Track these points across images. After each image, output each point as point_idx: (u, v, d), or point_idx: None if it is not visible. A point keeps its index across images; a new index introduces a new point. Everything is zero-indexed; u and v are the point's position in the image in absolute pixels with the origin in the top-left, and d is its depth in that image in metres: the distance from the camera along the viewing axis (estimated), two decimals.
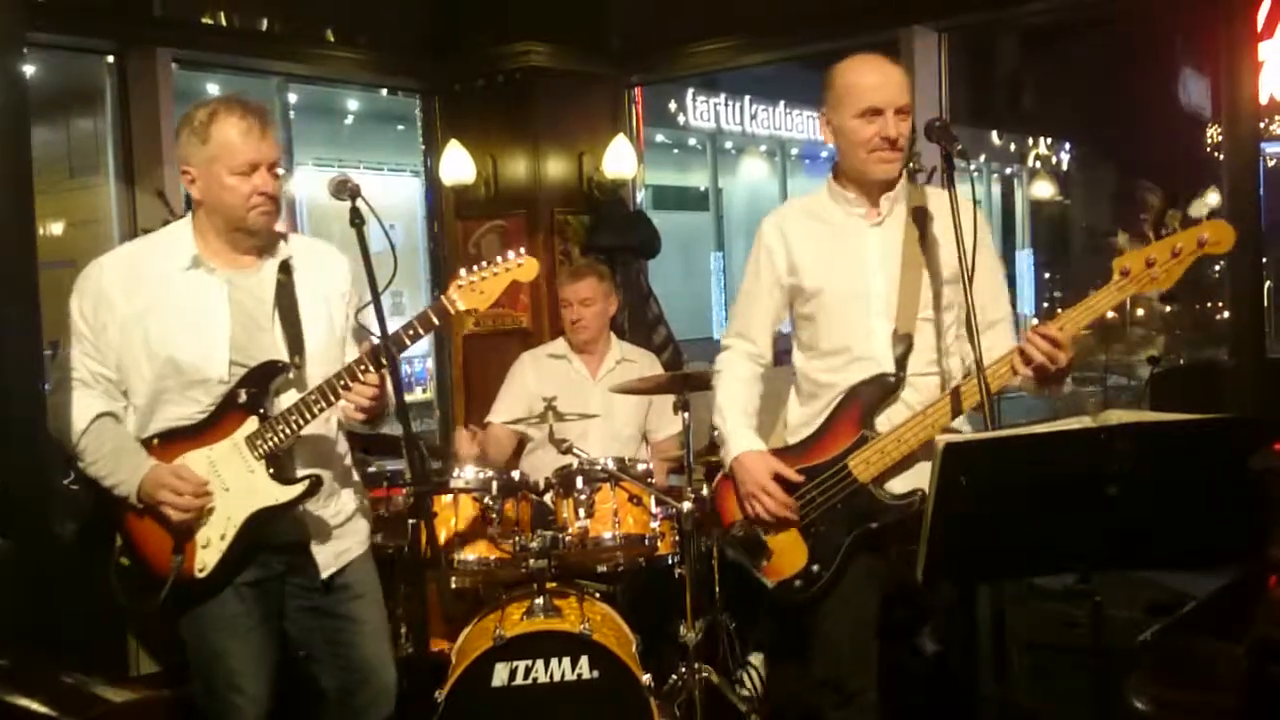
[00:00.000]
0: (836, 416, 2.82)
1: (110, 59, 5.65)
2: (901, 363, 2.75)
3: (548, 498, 3.90)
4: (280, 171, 2.68)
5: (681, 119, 14.50)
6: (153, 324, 2.66)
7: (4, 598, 2.80)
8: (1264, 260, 4.58)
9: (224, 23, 6.02)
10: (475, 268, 2.67)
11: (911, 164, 2.74)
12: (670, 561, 3.83)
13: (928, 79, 5.69)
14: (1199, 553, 2.28)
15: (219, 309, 2.69)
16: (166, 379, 2.66)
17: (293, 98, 7.28)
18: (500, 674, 3.39)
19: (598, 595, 3.87)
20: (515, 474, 3.80)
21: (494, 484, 3.68)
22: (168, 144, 5.40)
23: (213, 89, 6.32)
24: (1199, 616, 2.43)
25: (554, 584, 3.72)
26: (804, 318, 2.93)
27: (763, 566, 2.86)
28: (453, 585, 3.81)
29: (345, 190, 2.57)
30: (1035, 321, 2.92)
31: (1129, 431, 2.08)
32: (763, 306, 2.97)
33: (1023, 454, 2.14)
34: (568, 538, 3.65)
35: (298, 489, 2.67)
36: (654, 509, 3.78)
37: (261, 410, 2.66)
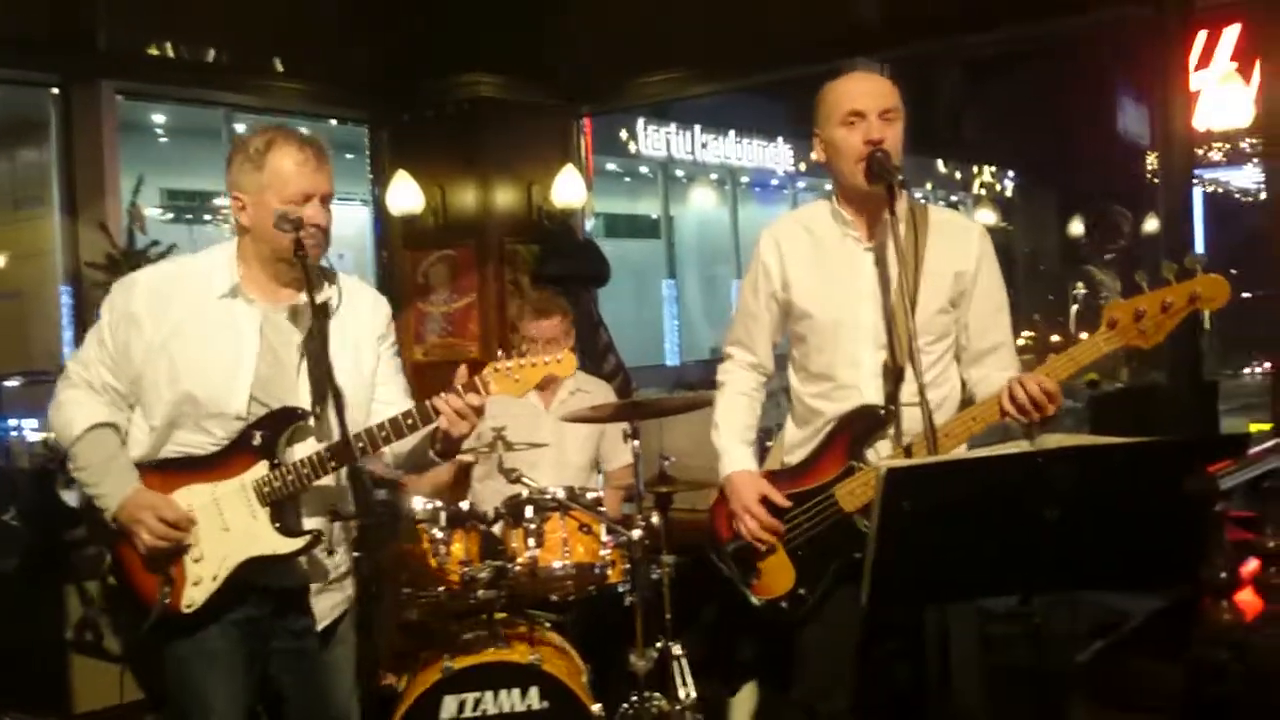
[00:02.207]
0: (828, 444, 2.81)
1: (55, 91, 5.61)
2: (893, 396, 2.72)
3: (497, 527, 3.89)
4: (332, 205, 2.65)
5: (633, 147, 14.60)
6: (178, 350, 2.61)
7: None
8: None
9: (170, 54, 5.98)
10: (515, 355, 2.64)
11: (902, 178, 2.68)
12: (621, 590, 3.82)
13: None
14: (1136, 574, 2.30)
15: (248, 343, 2.63)
16: (184, 405, 2.61)
17: (240, 126, 7.25)
18: (449, 706, 3.37)
19: (548, 625, 3.85)
20: (464, 504, 3.78)
21: (442, 515, 3.65)
22: (110, 175, 5.36)
23: (159, 119, 6.29)
24: (1137, 637, 2.46)
25: (503, 614, 3.70)
26: (796, 336, 2.91)
27: (752, 584, 2.87)
28: (401, 618, 3.79)
29: (288, 222, 2.53)
30: None
31: (1065, 455, 2.10)
32: (760, 321, 2.96)
33: (963, 478, 2.14)
34: (517, 567, 3.63)
35: (297, 543, 2.60)
36: (604, 537, 3.77)
37: (274, 457, 2.60)
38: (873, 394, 2.77)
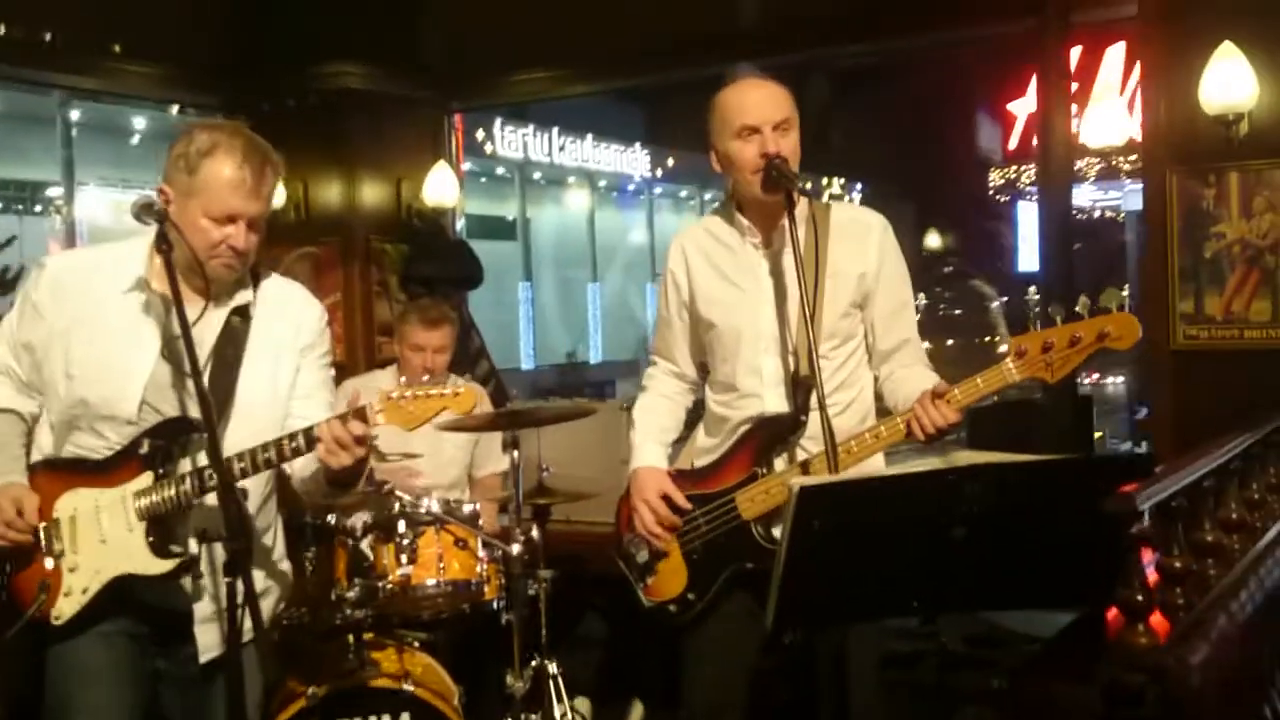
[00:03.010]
0: (735, 450, 2.76)
1: None
2: (803, 406, 2.67)
3: (366, 543, 3.68)
4: (262, 222, 2.46)
5: (489, 148, 14.51)
6: (74, 344, 2.43)
7: None
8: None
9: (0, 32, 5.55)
10: (412, 385, 2.40)
11: (809, 184, 2.62)
12: (495, 607, 3.70)
13: None
14: (1045, 595, 2.27)
15: (148, 342, 2.44)
16: (77, 406, 2.44)
17: (75, 114, 6.84)
18: None
19: (416, 645, 3.69)
20: (331, 518, 3.57)
21: (307, 530, 3.45)
22: None
23: None
24: (1050, 658, 2.43)
25: (370, 634, 3.53)
26: (706, 344, 2.88)
27: (645, 585, 2.83)
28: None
29: (152, 213, 2.32)
30: None
31: (979, 473, 2.05)
32: (674, 329, 2.93)
33: (875, 496, 2.09)
34: (389, 585, 3.45)
35: (167, 565, 2.39)
36: (480, 553, 3.63)
37: (160, 468, 2.41)
38: (774, 402, 2.73)
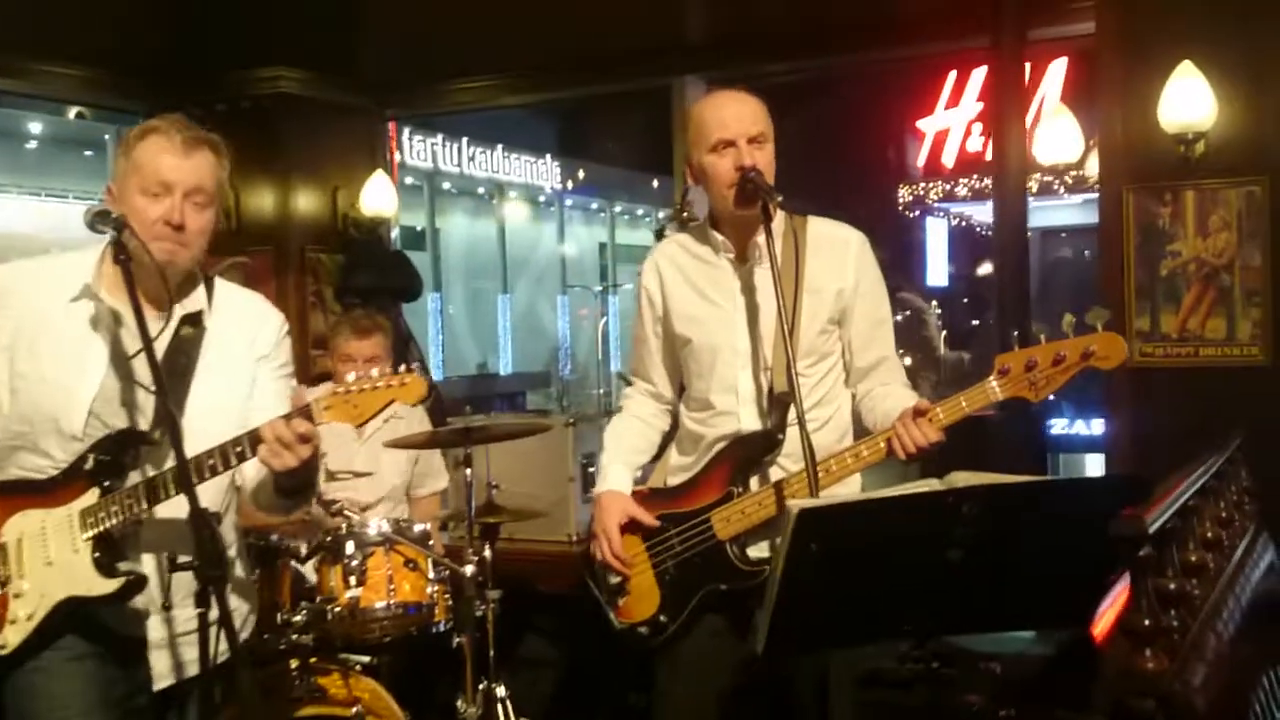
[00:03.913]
0: (712, 467, 2.69)
1: None
2: (779, 424, 2.61)
3: (311, 564, 3.51)
4: (207, 203, 2.30)
5: (397, 157, 14.33)
6: (19, 356, 2.30)
7: None
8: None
9: None
10: (355, 378, 2.27)
11: (779, 199, 2.55)
12: (443, 629, 3.59)
13: None
14: (1034, 616, 2.22)
15: (95, 352, 2.31)
16: (21, 423, 2.30)
17: None
18: None
19: (359, 669, 3.53)
20: (274, 537, 3.41)
21: (250, 551, 3.27)
22: None
23: None
24: (1046, 683, 2.37)
25: (314, 659, 3.38)
26: (681, 360, 2.82)
27: (616, 606, 2.75)
28: None
29: (108, 221, 2.19)
30: None
31: (978, 494, 1.99)
32: (649, 348, 2.87)
33: (875, 518, 2.01)
34: (337, 609, 3.30)
35: (113, 584, 2.24)
36: (430, 573, 3.50)
37: (106, 483, 2.27)
38: (750, 420, 2.67)
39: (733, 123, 2.61)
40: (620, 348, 16.23)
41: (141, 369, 2.27)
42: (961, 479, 2.06)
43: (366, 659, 3.63)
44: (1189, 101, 3.89)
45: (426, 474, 4.28)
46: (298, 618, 3.25)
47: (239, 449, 2.20)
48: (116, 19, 5.85)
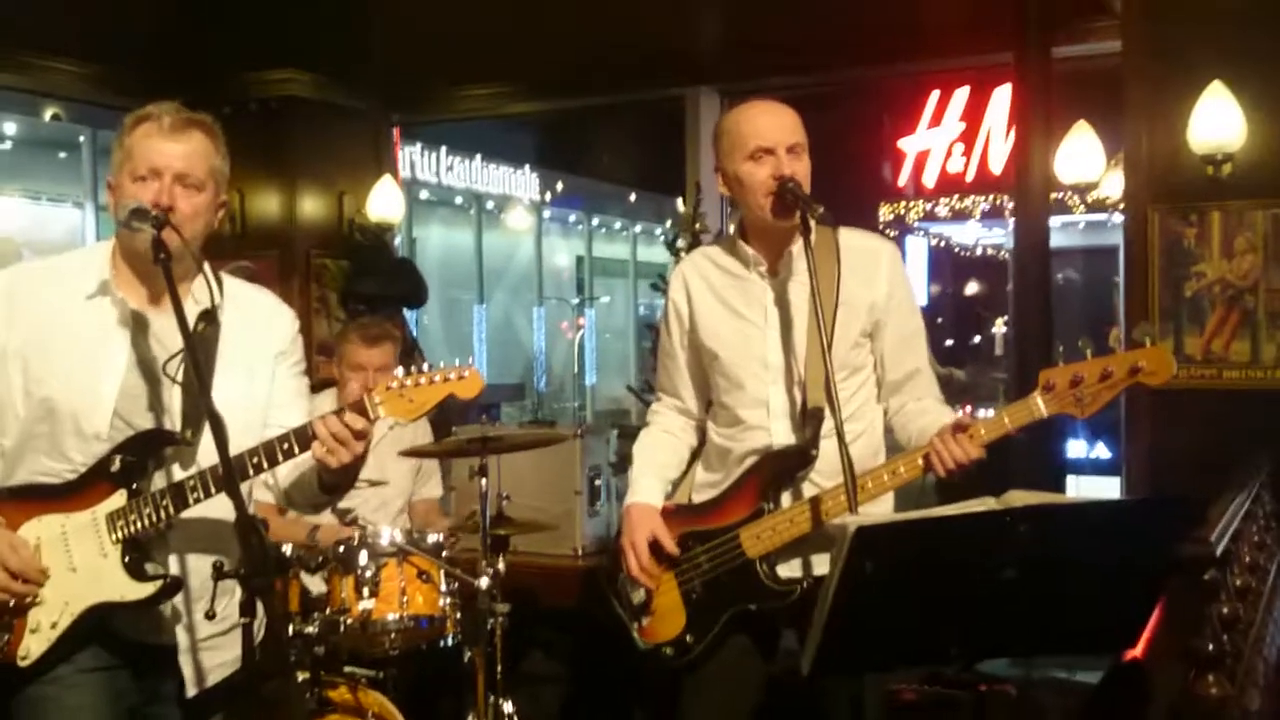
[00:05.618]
0: (742, 483, 2.62)
1: None
2: (814, 440, 2.55)
3: (321, 575, 3.43)
4: (199, 187, 2.24)
5: None
6: (34, 357, 2.23)
7: None
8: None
9: None
10: (411, 371, 2.23)
11: (819, 209, 2.49)
12: (451, 642, 3.51)
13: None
14: (1081, 640, 2.17)
15: (116, 350, 2.25)
16: (40, 424, 2.23)
17: None
18: None
19: (364, 681, 3.44)
20: (286, 548, 3.32)
21: None
22: None
23: None
24: (1099, 710, 2.32)
25: (323, 672, 3.29)
26: (709, 374, 2.75)
27: (641, 626, 2.68)
28: None
29: (148, 219, 2.12)
30: None
31: (1037, 514, 1.94)
32: (677, 363, 2.80)
33: (930, 538, 1.95)
34: (349, 620, 3.22)
35: (147, 589, 2.17)
36: (443, 586, 3.42)
37: (134, 485, 2.19)
38: (781, 435, 2.61)
39: (771, 131, 2.56)
40: (595, 360, 16.13)
41: (161, 370, 2.23)
42: (1019, 499, 2.01)
43: (370, 673, 3.57)
44: (1219, 122, 3.86)
45: (425, 480, 4.23)
46: (310, 629, 3.16)
47: (285, 446, 2.15)
48: (126, 18, 5.80)
